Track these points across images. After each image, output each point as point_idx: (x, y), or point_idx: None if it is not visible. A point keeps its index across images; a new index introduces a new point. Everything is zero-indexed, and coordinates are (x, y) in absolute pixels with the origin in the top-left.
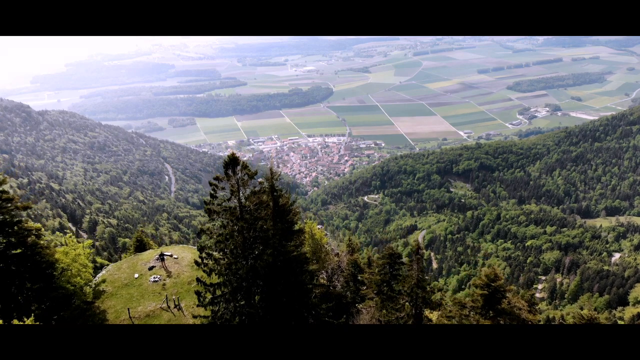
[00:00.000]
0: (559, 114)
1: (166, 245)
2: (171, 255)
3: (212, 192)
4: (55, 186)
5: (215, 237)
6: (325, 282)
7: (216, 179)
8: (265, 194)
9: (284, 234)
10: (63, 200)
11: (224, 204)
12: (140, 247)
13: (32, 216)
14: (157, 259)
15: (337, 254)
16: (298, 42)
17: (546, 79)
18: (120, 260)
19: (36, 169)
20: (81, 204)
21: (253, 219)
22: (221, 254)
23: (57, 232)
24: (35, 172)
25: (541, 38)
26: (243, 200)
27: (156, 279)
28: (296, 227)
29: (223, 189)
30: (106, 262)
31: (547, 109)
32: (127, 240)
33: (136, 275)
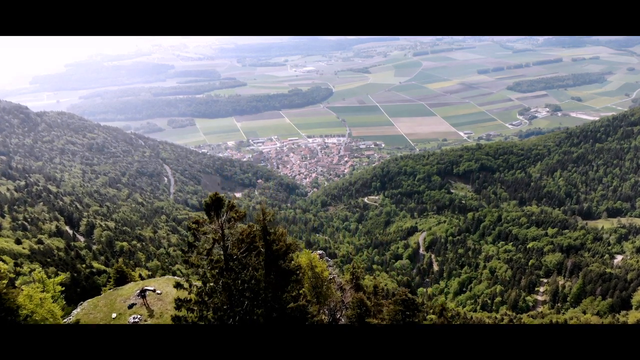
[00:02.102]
0: (559, 114)
1: (148, 276)
2: (154, 291)
3: (191, 239)
4: (53, 188)
5: (194, 293)
6: (326, 318)
7: (196, 223)
8: (257, 238)
9: (279, 284)
10: (60, 203)
11: (205, 255)
12: (121, 279)
13: (29, 219)
14: (137, 295)
15: (341, 287)
16: (298, 42)
17: (546, 79)
18: (100, 295)
19: (34, 171)
20: (79, 206)
21: (241, 267)
22: (203, 311)
23: (31, 272)
24: (33, 174)
25: (541, 38)
26: (229, 246)
27: (136, 319)
28: (294, 263)
29: (205, 233)
30: (103, 266)
31: (547, 109)
32: (124, 244)
33: (114, 315)
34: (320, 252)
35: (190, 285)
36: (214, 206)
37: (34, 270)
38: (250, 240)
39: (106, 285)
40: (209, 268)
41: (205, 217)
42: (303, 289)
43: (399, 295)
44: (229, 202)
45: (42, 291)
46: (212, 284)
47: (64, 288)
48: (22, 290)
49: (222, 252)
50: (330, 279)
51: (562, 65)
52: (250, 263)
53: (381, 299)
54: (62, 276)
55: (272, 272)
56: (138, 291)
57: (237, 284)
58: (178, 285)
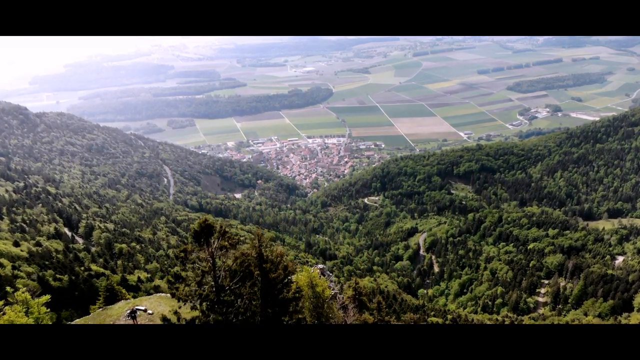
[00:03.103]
0: (560, 114)
1: (142, 295)
2: (145, 310)
3: (179, 269)
4: (52, 190)
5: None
6: None
7: (184, 251)
8: (252, 266)
9: (277, 314)
10: (59, 204)
11: (194, 287)
12: (111, 297)
13: (27, 221)
14: (127, 316)
15: (344, 305)
16: (298, 42)
17: (546, 79)
18: (88, 315)
19: (33, 172)
20: (78, 208)
21: (235, 298)
22: None
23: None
24: (32, 176)
25: (541, 38)
26: (221, 277)
27: None
28: (293, 288)
29: (192, 264)
30: (102, 269)
31: (548, 109)
32: (123, 246)
33: None
34: (320, 266)
35: (179, 319)
36: (204, 234)
37: (18, 290)
38: (244, 269)
39: (95, 303)
40: (199, 302)
41: (196, 243)
42: (303, 315)
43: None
44: (221, 228)
45: (26, 313)
46: (202, 318)
47: (49, 309)
48: (4, 313)
49: (212, 282)
50: (332, 294)
51: (562, 66)
52: (245, 293)
53: (385, 315)
54: (47, 297)
55: (269, 302)
56: (128, 311)
57: (230, 318)
58: (165, 320)
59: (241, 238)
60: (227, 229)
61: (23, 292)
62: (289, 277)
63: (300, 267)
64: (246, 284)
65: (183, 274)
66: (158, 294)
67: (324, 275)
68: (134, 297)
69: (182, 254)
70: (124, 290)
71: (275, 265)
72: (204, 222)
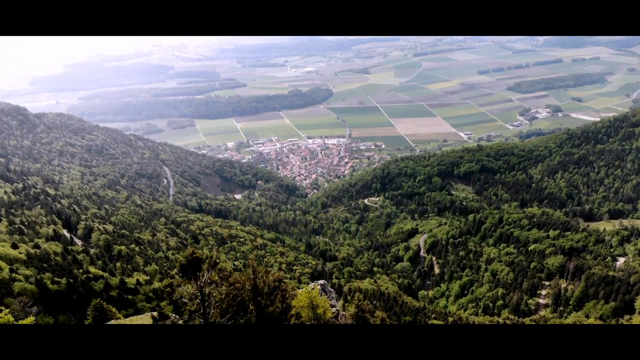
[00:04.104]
0: (560, 114)
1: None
2: None
3: (167, 301)
4: (51, 191)
5: None
6: None
7: (169, 286)
8: (246, 300)
9: None
10: (58, 205)
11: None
12: (100, 316)
13: (26, 223)
14: None
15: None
16: (297, 43)
17: (546, 79)
18: None
19: (32, 173)
20: (77, 209)
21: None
22: None
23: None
24: (31, 177)
25: (541, 38)
26: (211, 314)
27: None
28: (293, 322)
29: (182, 298)
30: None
31: (548, 109)
32: (122, 248)
33: None
34: (322, 282)
35: None
36: (191, 268)
37: (2, 310)
38: (237, 304)
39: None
40: None
41: (183, 277)
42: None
43: None
44: (211, 259)
45: None
46: None
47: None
48: None
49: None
50: (334, 314)
51: (563, 66)
52: None
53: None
54: (31, 318)
55: None
56: None
57: None
58: None
59: (235, 264)
60: (217, 260)
61: (6, 314)
62: (287, 308)
63: (299, 288)
64: (239, 320)
65: (168, 311)
66: (150, 314)
67: (325, 293)
68: (126, 315)
69: (168, 289)
70: (114, 309)
71: (272, 297)
72: (192, 255)
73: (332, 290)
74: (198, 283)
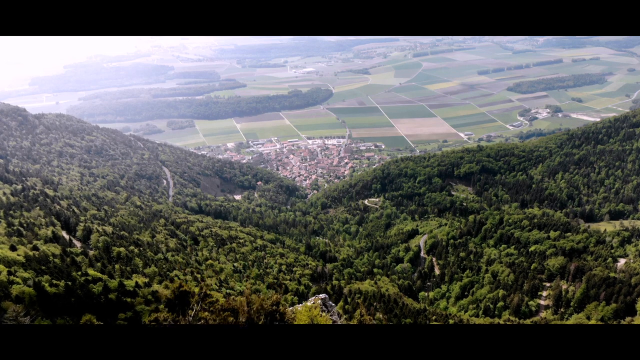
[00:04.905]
0: (560, 115)
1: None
2: None
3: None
4: (50, 192)
5: None
6: None
7: (155, 321)
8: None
9: None
10: (57, 207)
11: None
12: None
13: (25, 225)
14: None
15: None
16: (297, 43)
17: (546, 80)
18: None
19: (31, 174)
20: (76, 210)
21: None
22: None
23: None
24: (30, 178)
25: (541, 39)
26: None
27: None
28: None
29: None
30: (99, 274)
31: (548, 110)
32: (121, 249)
33: None
34: (322, 296)
35: None
36: (179, 302)
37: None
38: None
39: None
40: None
41: (170, 312)
42: None
43: None
44: (202, 291)
45: None
46: None
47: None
48: None
49: None
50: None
51: (563, 66)
52: None
53: None
54: None
55: None
56: None
57: None
58: None
59: (230, 294)
60: (207, 291)
61: None
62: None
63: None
64: None
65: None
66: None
67: (326, 307)
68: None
69: (154, 324)
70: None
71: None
72: (179, 289)
73: (333, 305)
74: (186, 319)
